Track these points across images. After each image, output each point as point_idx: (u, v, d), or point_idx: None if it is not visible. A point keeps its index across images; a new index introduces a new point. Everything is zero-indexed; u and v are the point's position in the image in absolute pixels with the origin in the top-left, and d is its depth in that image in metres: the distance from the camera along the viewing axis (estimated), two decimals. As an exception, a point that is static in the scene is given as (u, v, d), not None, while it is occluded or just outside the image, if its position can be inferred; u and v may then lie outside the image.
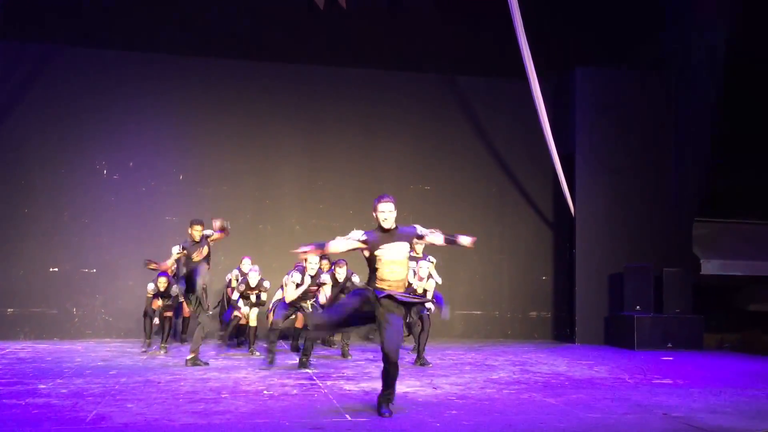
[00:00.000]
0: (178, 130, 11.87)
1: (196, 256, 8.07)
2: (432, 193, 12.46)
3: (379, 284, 5.34)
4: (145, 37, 11.60)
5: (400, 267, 5.38)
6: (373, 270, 5.39)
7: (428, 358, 8.79)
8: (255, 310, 9.49)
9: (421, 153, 12.54)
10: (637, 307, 11.37)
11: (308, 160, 12.23)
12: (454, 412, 5.67)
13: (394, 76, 12.60)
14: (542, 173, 12.72)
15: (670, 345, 11.10)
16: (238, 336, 10.45)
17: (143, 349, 9.51)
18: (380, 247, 5.32)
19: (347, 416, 5.43)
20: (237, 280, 10.05)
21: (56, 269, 11.28)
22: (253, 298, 9.47)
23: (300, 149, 12.21)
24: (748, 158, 12.58)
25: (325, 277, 8.49)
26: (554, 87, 12.70)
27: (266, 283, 9.54)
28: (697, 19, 12.22)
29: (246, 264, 10.34)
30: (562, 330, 12.63)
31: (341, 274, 9.40)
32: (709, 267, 12.17)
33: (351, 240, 5.35)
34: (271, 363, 8.09)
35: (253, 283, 9.35)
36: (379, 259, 5.33)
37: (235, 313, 9.51)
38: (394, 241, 5.36)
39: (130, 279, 11.13)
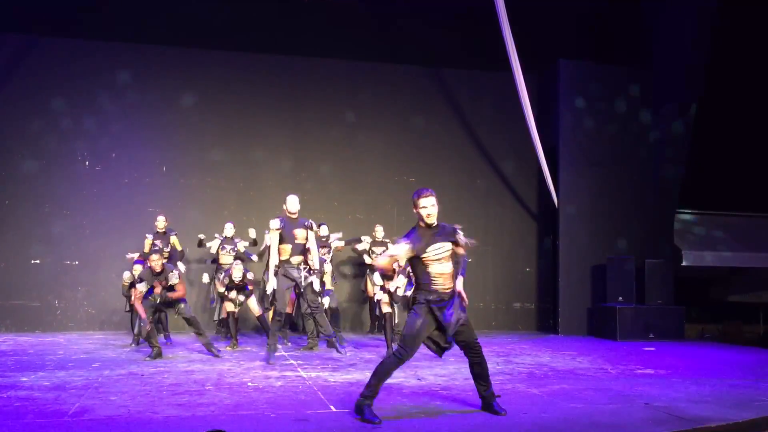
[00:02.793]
0: (162, 121, 11.78)
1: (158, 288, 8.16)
2: (416, 185, 12.25)
3: (431, 287, 5.07)
4: (127, 28, 11.46)
5: (448, 265, 5.15)
6: (422, 274, 5.07)
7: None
8: (240, 298, 9.43)
9: (406, 145, 12.55)
10: (620, 298, 11.46)
11: (292, 152, 12.20)
12: (438, 403, 5.70)
13: (378, 67, 12.58)
14: (526, 165, 12.77)
15: (651, 336, 11.21)
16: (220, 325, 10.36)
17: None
18: (426, 249, 5.02)
19: (332, 407, 5.43)
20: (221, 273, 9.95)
21: (37, 261, 11.18)
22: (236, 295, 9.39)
23: (284, 141, 12.18)
24: (728, 150, 12.70)
25: (327, 266, 8.51)
26: (538, 80, 12.72)
27: (250, 275, 9.39)
28: (677, 18, 12.27)
29: (228, 229, 10.29)
30: (546, 321, 12.72)
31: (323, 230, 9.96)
32: (691, 258, 12.28)
33: (396, 253, 5.00)
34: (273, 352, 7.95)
35: (237, 277, 9.24)
36: (427, 261, 5.04)
37: (227, 307, 9.39)
38: (438, 240, 5.07)
39: (113, 271, 11.04)
